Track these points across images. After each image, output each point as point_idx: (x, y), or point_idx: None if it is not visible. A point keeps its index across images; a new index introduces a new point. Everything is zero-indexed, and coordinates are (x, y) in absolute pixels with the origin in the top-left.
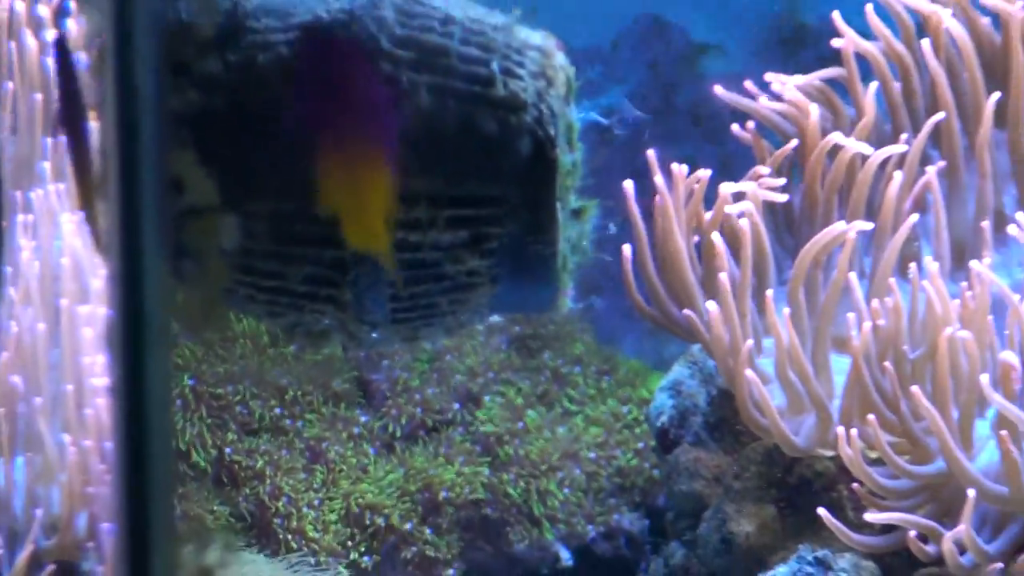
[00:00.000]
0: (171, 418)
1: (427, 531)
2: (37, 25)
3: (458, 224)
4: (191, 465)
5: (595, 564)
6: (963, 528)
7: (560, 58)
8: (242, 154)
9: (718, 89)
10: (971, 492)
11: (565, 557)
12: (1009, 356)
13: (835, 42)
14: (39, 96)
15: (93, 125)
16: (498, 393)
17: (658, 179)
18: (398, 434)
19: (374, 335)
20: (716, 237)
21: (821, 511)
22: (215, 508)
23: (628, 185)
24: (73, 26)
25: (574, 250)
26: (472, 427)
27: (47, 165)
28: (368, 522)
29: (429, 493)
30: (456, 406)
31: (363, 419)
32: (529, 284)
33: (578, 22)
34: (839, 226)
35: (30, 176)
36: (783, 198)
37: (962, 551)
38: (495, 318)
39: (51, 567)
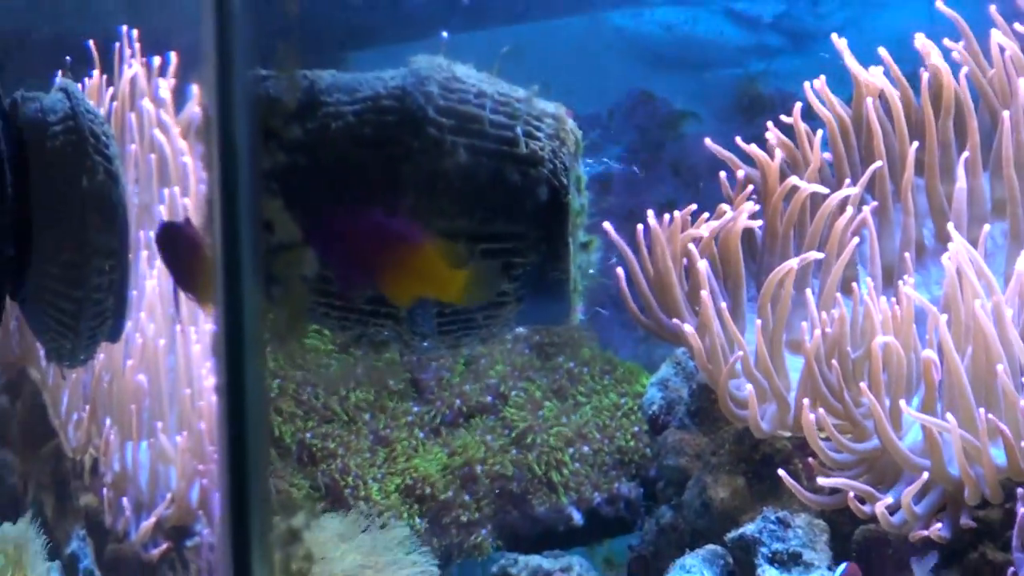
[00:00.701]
0: (265, 411)
1: (465, 497)
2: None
3: (490, 255)
4: (279, 447)
5: (601, 523)
6: (905, 494)
7: (570, 123)
8: (319, 202)
9: (708, 142)
10: (925, 474)
11: (576, 518)
12: (930, 354)
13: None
14: (153, 156)
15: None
16: (522, 389)
17: (651, 217)
18: (442, 421)
19: (425, 344)
20: (702, 264)
21: (781, 472)
22: (298, 481)
23: (608, 225)
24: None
25: (583, 275)
26: (501, 415)
27: (162, 209)
28: (419, 492)
29: (468, 468)
30: (489, 399)
31: (415, 409)
32: (547, 302)
33: (581, 95)
34: (797, 259)
35: (150, 219)
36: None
37: (892, 512)
38: (520, 329)
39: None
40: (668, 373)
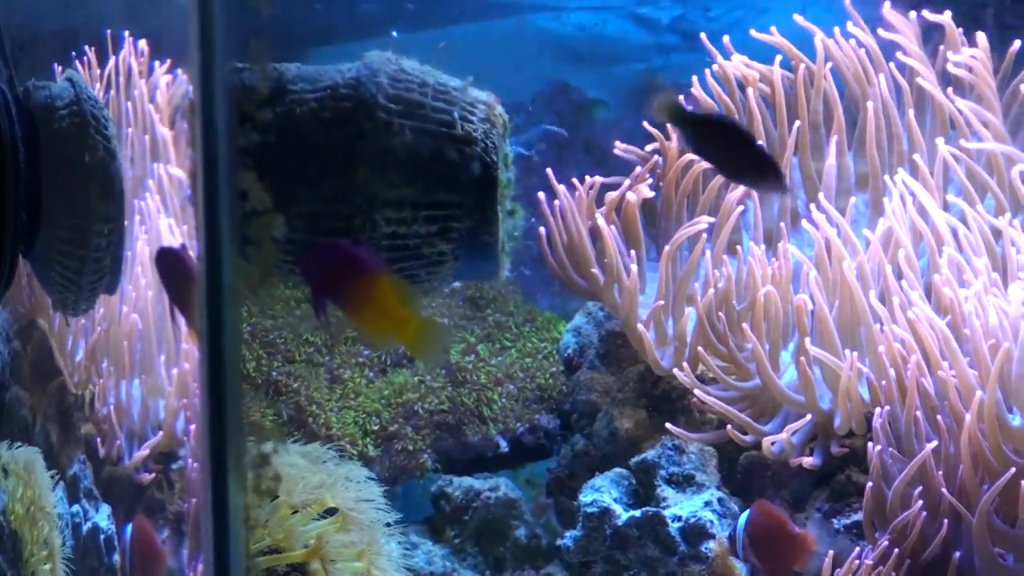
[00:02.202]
0: (239, 353)
1: (409, 429)
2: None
3: (431, 220)
4: (250, 383)
5: (524, 450)
6: (787, 429)
7: (499, 108)
8: (286, 174)
9: (618, 146)
10: (808, 415)
11: (503, 445)
12: (802, 297)
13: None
14: (147, 136)
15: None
16: (458, 335)
17: (562, 189)
18: (389, 363)
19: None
20: (604, 225)
21: (668, 425)
22: (265, 411)
23: (541, 195)
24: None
25: (509, 238)
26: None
27: (152, 183)
28: (371, 424)
29: (409, 404)
30: None
31: (365, 353)
32: (479, 261)
33: (508, 86)
34: (697, 222)
35: (142, 190)
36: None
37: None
38: (456, 284)
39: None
40: (581, 321)
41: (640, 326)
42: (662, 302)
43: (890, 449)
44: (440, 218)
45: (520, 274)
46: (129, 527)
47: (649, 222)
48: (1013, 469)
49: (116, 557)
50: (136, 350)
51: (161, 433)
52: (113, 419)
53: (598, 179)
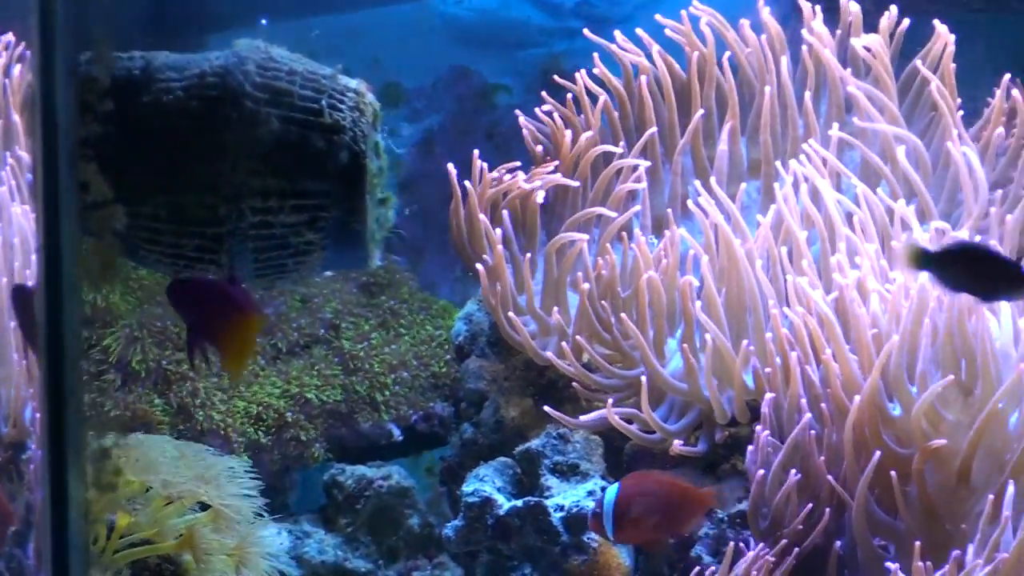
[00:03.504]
0: (79, 344)
1: (302, 418)
2: None
3: (299, 210)
4: (135, 373)
5: (419, 438)
6: (646, 416)
7: (370, 97)
8: (152, 163)
9: (520, 117)
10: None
11: (396, 433)
12: (689, 279)
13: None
14: (0, 121)
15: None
16: (351, 322)
17: (459, 176)
18: (284, 350)
19: (243, 286)
20: (484, 219)
21: (547, 408)
22: (154, 401)
23: (451, 168)
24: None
25: (379, 227)
26: (333, 344)
27: (7, 171)
28: (262, 413)
29: (301, 395)
30: (322, 331)
31: (258, 340)
32: (348, 250)
33: (409, 71)
34: (587, 213)
35: None
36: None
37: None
38: (328, 273)
39: None
40: (472, 309)
41: (510, 315)
42: (538, 289)
43: (769, 437)
44: (308, 207)
45: (419, 261)
46: None
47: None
48: (878, 453)
49: None
50: None
51: (11, 422)
52: None
53: (502, 169)
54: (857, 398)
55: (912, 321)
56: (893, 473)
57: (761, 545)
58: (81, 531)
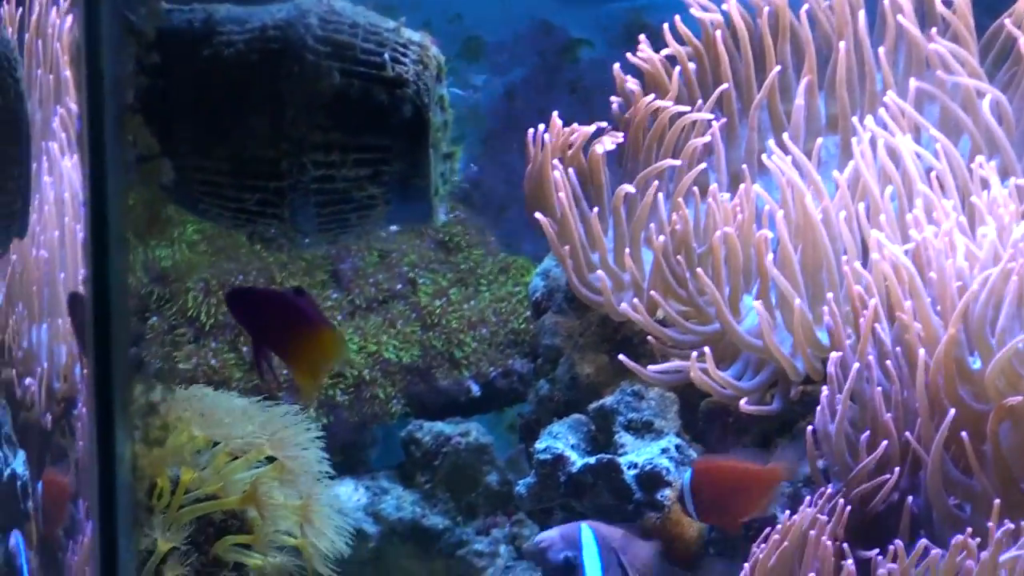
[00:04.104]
0: (126, 299)
1: (379, 375)
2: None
3: (361, 164)
4: (202, 327)
5: (498, 395)
6: (715, 376)
7: (434, 50)
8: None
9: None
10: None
11: (475, 390)
12: (765, 232)
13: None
14: (52, 76)
15: None
16: (429, 278)
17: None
18: (359, 306)
19: (306, 240)
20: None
21: (621, 357)
22: (226, 356)
23: (530, 131)
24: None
25: (444, 182)
26: (410, 300)
27: (57, 122)
28: (340, 370)
29: (380, 351)
30: (399, 286)
31: (334, 296)
32: (411, 205)
33: (491, 25)
34: (659, 165)
35: (47, 133)
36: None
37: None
38: (393, 228)
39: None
40: (549, 264)
41: (578, 277)
42: (611, 246)
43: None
44: (370, 161)
45: (502, 217)
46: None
47: (617, 163)
48: (952, 410)
49: (30, 503)
50: (44, 295)
51: (64, 378)
52: (25, 364)
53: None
54: (940, 346)
55: (1000, 276)
56: (964, 434)
57: (827, 494)
58: (129, 488)
